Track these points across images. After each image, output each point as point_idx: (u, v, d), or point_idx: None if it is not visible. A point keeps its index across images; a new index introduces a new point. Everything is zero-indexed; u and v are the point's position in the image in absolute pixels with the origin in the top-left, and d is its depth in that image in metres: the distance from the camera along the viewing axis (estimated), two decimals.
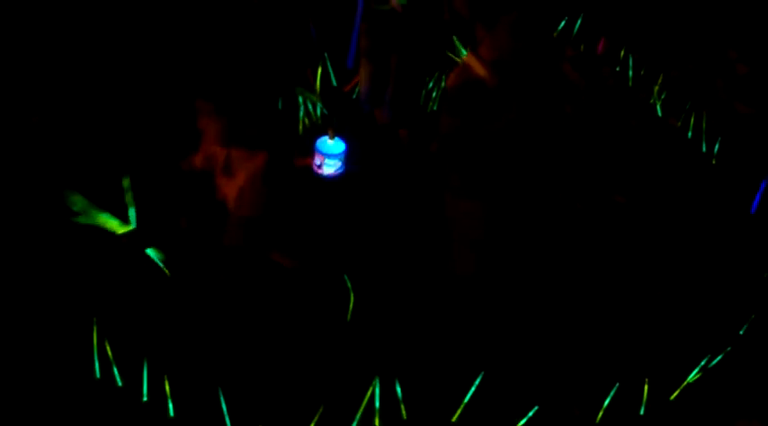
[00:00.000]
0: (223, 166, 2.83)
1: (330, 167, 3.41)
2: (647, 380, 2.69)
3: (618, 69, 4.36)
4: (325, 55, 4.06)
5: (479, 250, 2.91)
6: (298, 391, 2.56)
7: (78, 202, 2.80)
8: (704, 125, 3.97)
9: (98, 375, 2.53)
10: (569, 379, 2.75)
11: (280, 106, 3.86)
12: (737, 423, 2.75)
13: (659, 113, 4.11)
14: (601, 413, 2.65)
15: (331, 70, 4.06)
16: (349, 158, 3.45)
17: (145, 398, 2.48)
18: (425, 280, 3.00)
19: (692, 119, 4.00)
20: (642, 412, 2.71)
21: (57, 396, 2.47)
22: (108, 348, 2.51)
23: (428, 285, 2.98)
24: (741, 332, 3.04)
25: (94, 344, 2.53)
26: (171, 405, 2.44)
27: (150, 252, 2.80)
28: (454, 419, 2.57)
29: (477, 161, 2.80)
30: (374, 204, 3.35)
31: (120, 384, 2.51)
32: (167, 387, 2.42)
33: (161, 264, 2.80)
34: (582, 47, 4.47)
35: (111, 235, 2.81)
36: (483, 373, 2.58)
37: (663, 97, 4.15)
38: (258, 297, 2.82)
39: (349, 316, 2.85)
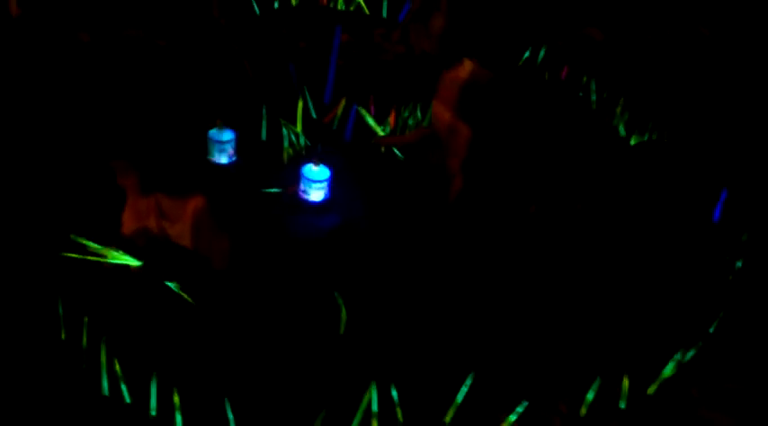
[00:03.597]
0: (159, 214, 2.98)
1: (316, 193, 3.58)
2: (626, 376, 2.86)
3: (581, 94, 4.61)
4: (305, 89, 4.26)
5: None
6: (300, 398, 2.69)
7: (90, 245, 2.95)
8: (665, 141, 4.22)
9: (106, 392, 2.64)
10: (554, 376, 2.91)
11: (264, 137, 4.05)
12: (700, 412, 2.91)
13: (622, 133, 4.34)
14: (584, 408, 2.81)
15: (311, 104, 4.25)
16: (333, 184, 3.63)
17: (153, 413, 2.60)
18: (412, 290, 3.16)
19: (655, 137, 4.24)
20: (623, 405, 2.87)
21: (64, 413, 2.58)
22: (117, 365, 2.62)
23: (415, 294, 3.14)
24: (711, 330, 3.23)
25: (103, 362, 2.64)
26: (179, 418, 2.56)
27: (168, 283, 2.96)
28: (447, 419, 2.72)
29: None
30: (360, 225, 3.52)
31: (128, 400, 2.63)
32: (176, 400, 2.54)
33: (179, 291, 2.94)
34: (546, 75, 4.71)
35: (126, 268, 2.96)
36: (473, 374, 2.73)
37: (625, 118, 4.39)
38: (256, 314, 2.96)
39: (342, 329, 2.99)
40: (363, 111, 4.10)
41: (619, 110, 4.41)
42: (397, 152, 3.97)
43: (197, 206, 2.85)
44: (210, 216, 2.89)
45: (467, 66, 3.16)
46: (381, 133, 4.10)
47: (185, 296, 2.90)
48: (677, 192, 3.98)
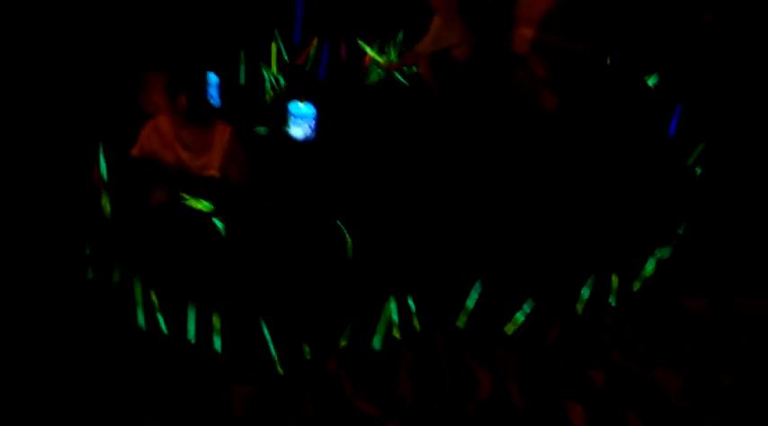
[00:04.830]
0: (181, 145, 3.06)
1: (303, 129, 3.73)
2: (615, 274, 3.14)
3: None
4: (276, 32, 4.36)
5: None
6: (327, 314, 2.88)
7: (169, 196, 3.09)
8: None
9: (143, 325, 2.78)
10: (551, 280, 3.17)
11: (243, 80, 4.15)
12: (685, 302, 3.22)
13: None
14: (581, 306, 3.09)
15: (282, 46, 4.37)
16: (318, 121, 3.78)
17: (192, 340, 2.76)
18: (410, 214, 3.38)
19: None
20: (613, 302, 3.16)
21: (104, 347, 2.71)
22: (154, 297, 2.76)
23: (414, 216, 3.36)
24: (680, 231, 3.54)
25: (138, 296, 2.77)
26: (218, 341, 2.73)
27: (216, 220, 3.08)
28: (460, 324, 2.96)
29: None
30: (350, 157, 3.70)
31: (165, 332, 2.78)
32: (216, 323, 2.70)
33: (222, 229, 3.06)
34: None
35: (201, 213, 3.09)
36: (479, 281, 2.97)
37: None
38: (273, 242, 3.13)
39: (350, 254, 3.18)
40: (363, 43, 4.32)
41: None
42: (401, 78, 4.22)
43: (225, 132, 2.95)
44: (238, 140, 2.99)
45: None
46: (381, 61, 4.34)
47: (222, 230, 3.03)
48: (635, 109, 4.27)
